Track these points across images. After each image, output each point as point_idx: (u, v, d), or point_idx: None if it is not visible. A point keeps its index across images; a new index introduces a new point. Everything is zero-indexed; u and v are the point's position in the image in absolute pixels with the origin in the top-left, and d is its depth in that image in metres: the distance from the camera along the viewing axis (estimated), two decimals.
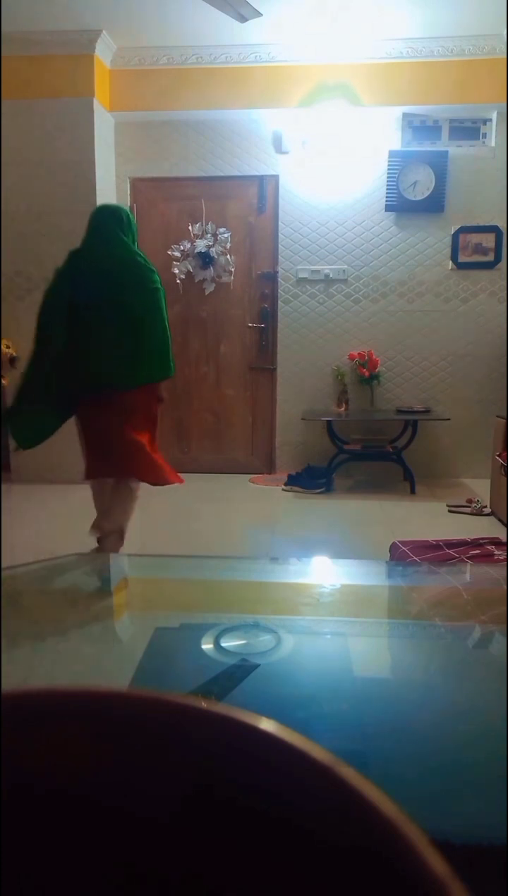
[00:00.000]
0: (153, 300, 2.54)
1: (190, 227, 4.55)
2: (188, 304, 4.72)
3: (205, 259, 4.51)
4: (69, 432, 4.48)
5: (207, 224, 4.53)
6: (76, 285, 2.54)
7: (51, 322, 2.55)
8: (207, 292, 4.50)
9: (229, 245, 4.51)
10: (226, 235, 4.51)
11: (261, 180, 4.57)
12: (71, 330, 2.52)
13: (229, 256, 4.48)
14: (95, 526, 2.73)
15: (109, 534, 2.71)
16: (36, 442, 2.72)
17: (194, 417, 4.65)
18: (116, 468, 2.72)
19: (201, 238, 4.52)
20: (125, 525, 2.76)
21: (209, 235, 4.52)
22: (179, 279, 4.57)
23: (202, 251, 4.48)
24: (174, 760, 0.25)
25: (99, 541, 2.72)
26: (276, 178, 4.54)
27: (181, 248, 4.53)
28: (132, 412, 2.64)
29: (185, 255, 4.54)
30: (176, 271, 4.56)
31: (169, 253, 4.55)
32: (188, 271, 4.54)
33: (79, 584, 1.25)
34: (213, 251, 4.50)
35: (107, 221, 2.61)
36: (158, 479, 2.74)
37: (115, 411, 2.62)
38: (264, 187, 4.58)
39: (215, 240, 4.51)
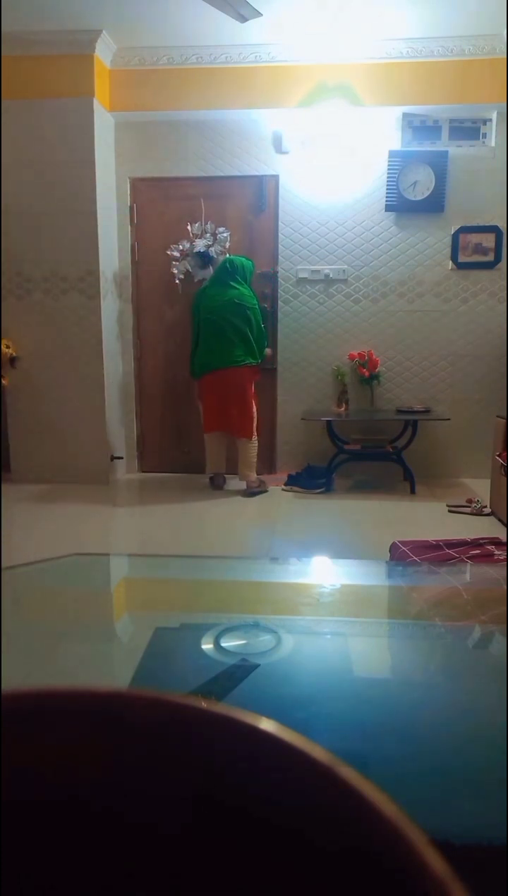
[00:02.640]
0: (246, 315, 4.12)
1: (189, 227, 4.55)
2: (188, 303, 4.72)
3: (204, 259, 4.50)
4: (67, 433, 4.49)
5: (206, 223, 4.53)
6: (200, 306, 4.18)
7: (193, 324, 4.31)
8: None
9: (228, 244, 4.51)
10: (225, 235, 4.50)
11: (261, 180, 4.56)
12: (200, 331, 4.20)
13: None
14: (243, 478, 4.31)
15: (253, 480, 4.29)
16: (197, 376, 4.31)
17: (195, 417, 4.65)
18: (238, 425, 4.23)
19: (200, 238, 4.52)
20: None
21: (208, 235, 4.52)
22: (179, 279, 4.56)
23: (201, 251, 4.47)
24: (174, 760, 0.25)
25: (248, 486, 4.27)
26: (276, 178, 4.54)
27: (180, 247, 4.52)
28: (240, 382, 4.18)
29: (184, 255, 4.53)
30: (175, 271, 4.55)
31: (168, 253, 4.54)
32: (187, 271, 4.53)
33: (79, 584, 1.25)
34: (212, 251, 4.49)
35: (223, 269, 4.18)
36: (245, 435, 4.25)
37: (228, 381, 4.16)
38: (264, 187, 4.58)
39: (215, 239, 4.51)
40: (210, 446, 4.38)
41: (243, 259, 4.23)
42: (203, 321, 4.16)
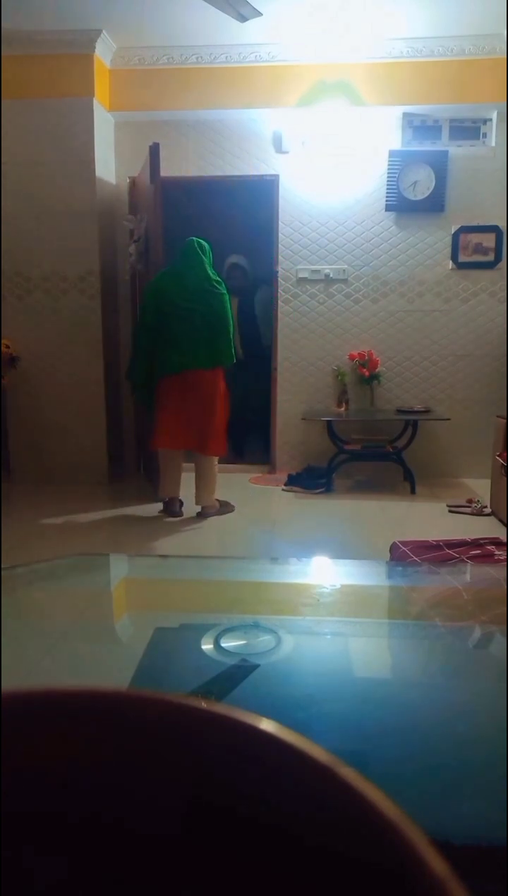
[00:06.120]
0: (222, 303, 3.49)
1: (126, 222, 4.32)
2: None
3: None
4: (67, 433, 4.49)
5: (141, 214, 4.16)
6: (167, 294, 3.44)
7: (145, 319, 3.52)
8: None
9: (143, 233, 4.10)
10: (144, 223, 4.02)
11: (261, 180, 4.56)
12: (165, 324, 3.44)
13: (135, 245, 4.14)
14: (203, 502, 3.72)
15: (213, 504, 3.74)
16: (149, 404, 3.71)
17: None
18: (193, 439, 3.56)
19: (136, 229, 4.26)
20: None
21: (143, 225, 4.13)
22: (129, 276, 4.46)
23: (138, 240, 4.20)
24: (174, 761, 0.25)
25: (205, 511, 3.71)
26: (276, 178, 4.54)
27: (135, 242, 4.31)
28: (214, 388, 3.54)
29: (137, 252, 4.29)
30: (128, 266, 4.43)
31: (129, 250, 4.45)
32: (134, 264, 4.34)
33: (79, 584, 1.25)
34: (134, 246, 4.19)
35: (193, 249, 3.51)
36: (219, 452, 3.67)
37: (200, 386, 3.51)
38: (264, 187, 4.57)
39: (144, 228, 4.10)
40: (168, 463, 3.70)
41: (203, 240, 3.59)
42: (170, 311, 3.43)
